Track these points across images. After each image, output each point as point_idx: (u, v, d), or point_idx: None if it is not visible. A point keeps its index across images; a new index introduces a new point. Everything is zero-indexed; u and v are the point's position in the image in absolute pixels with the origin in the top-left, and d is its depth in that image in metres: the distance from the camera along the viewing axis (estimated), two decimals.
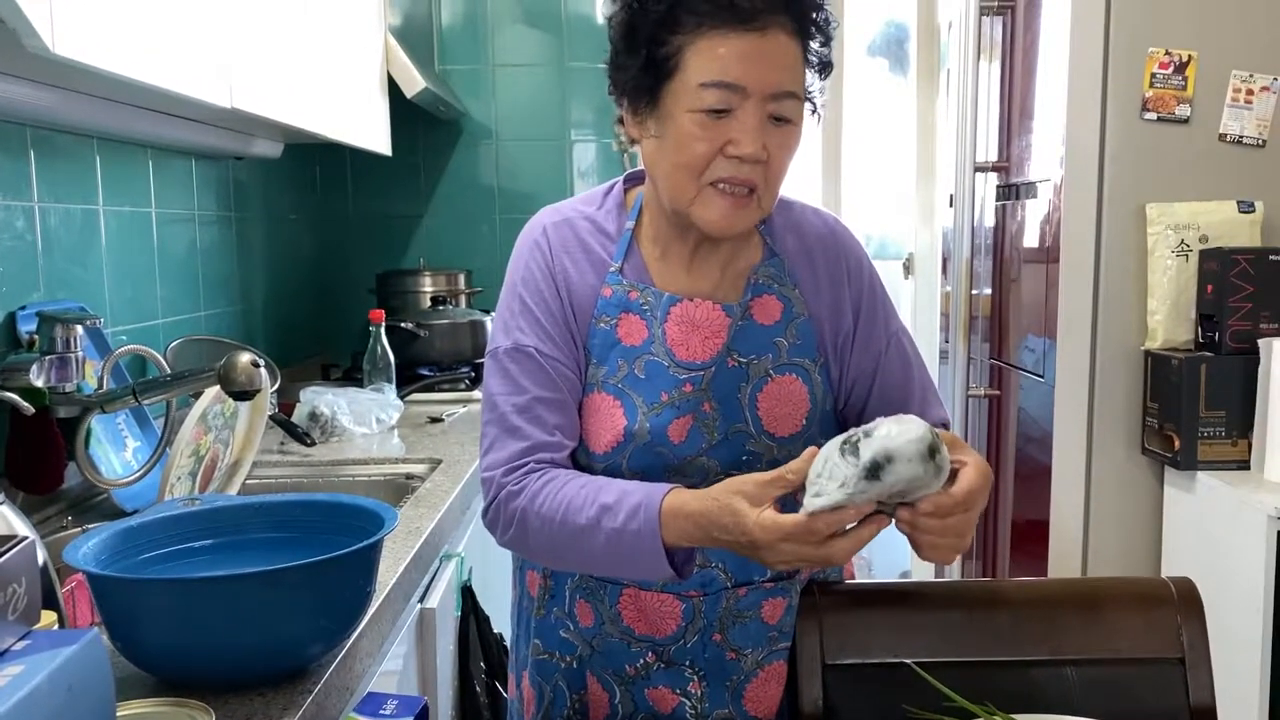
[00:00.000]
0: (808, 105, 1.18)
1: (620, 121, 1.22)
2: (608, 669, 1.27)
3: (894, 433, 0.98)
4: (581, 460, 1.22)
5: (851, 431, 1.01)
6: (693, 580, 1.22)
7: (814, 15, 1.14)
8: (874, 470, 0.97)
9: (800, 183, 3.50)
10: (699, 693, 1.25)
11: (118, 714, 0.89)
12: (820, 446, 1.04)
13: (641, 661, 1.25)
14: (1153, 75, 2.39)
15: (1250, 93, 2.38)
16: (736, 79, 1.09)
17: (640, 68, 1.13)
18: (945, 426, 1.31)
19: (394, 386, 2.55)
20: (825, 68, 1.18)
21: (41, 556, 1.03)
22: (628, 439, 1.19)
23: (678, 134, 1.12)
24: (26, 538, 0.83)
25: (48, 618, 0.92)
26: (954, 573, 3.12)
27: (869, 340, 1.27)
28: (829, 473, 1.00)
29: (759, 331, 1.23)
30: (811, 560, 1.04)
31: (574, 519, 1.12)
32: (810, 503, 1.00)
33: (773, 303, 1.24)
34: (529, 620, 1.32)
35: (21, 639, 0.79)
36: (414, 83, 2.63)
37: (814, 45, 1.15)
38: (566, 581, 1.28)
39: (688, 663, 1.25)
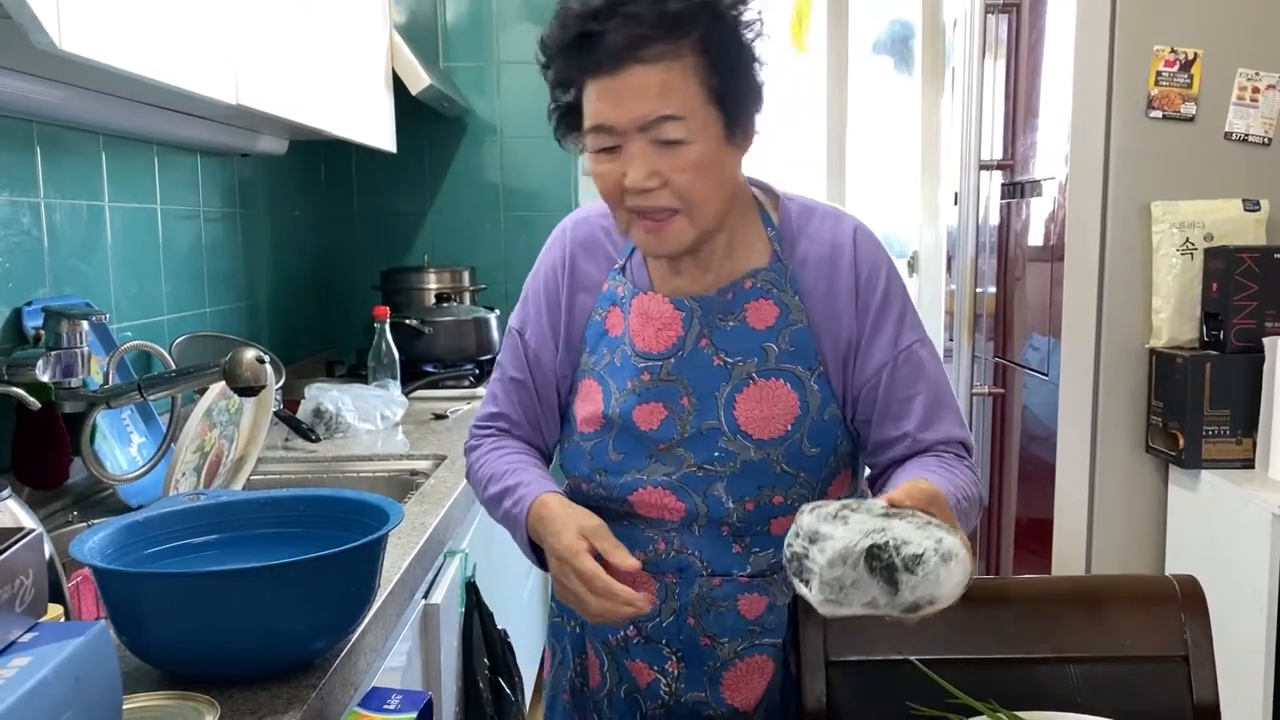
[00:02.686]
0: (746, 33, 1.15)
1: None
2: (596, 637, 1.35)
3: (941, 577, 0.93)
4: (574, 438, 1.32)
5: (875, 536, 0.94)
6: (669, 563, 1.28)
7: (692, 35, 1.12)
8: (914, 608, 0.95)
9: (805, 180, 3.50)
10: (675, 673, 1.30)
11: (123, 707, 0.89)
12: (798, 505, 1.03)
13: (623, 633, 1.32)
14: (1158, 73, 2.38)
15: (1256, 91, 2.38)
16: (604, 120, 1.15)
17: (560, 114, 1.23)
18: (965, 445, 1.26)
19: (398, 383, 2.55)
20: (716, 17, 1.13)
21: (48, 550, 1.03)
22: (606, 421, 1.28)
23: (593, 172, 1.21)
24: (34, 530, 0.84)
25: (54, 611, 0.92)
26: None
27: (872, 353, 1.25)
28: (854, 584, 0.94)
29: (749, 334, 1.25)
30: (575, 595, 1.16)
31: (491, 487, 1.30)
32: (826, 608, 0.96)
33: (768, 307, 1.25)
34: (549, 583, 1.36)
35: (29, 631, 0.80)
36: (419, 80, 2.63)
37: (707, 57, 1.12)
38: None
39: (664, 641, 1.30)
